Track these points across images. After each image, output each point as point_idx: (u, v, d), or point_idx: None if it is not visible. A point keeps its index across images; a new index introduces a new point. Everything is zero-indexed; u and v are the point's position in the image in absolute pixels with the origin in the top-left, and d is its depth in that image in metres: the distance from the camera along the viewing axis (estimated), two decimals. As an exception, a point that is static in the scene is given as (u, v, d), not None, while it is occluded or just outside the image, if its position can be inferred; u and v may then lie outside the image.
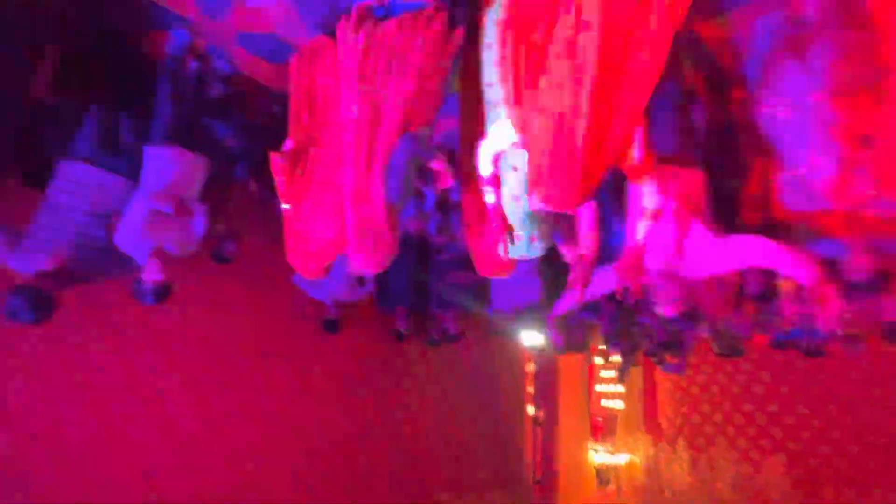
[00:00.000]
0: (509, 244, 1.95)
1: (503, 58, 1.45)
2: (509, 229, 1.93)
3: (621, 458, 5.83)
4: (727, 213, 2.48)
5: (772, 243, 1.86)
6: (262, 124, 2.95)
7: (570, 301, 2.63)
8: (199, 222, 2.28)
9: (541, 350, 5.00)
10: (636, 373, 6.53)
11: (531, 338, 4.39)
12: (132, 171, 2.25)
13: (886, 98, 1.95)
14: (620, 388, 6.06)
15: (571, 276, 2.04)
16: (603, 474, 5.66)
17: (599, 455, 5.77)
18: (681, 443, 5.83)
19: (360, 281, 3.65)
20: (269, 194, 2.96)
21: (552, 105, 1.27)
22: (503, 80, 1.46)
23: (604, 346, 5.20)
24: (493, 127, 1.68)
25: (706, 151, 2.47)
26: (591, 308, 3.96)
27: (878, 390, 5.10)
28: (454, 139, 2.53)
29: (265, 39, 2.35)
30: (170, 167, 2.24)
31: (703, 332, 4.43)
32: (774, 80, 2.28)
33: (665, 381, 6.74)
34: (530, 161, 1.40)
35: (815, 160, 2.21)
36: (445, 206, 3.40)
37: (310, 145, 2.13)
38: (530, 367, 5.31)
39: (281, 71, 2.71)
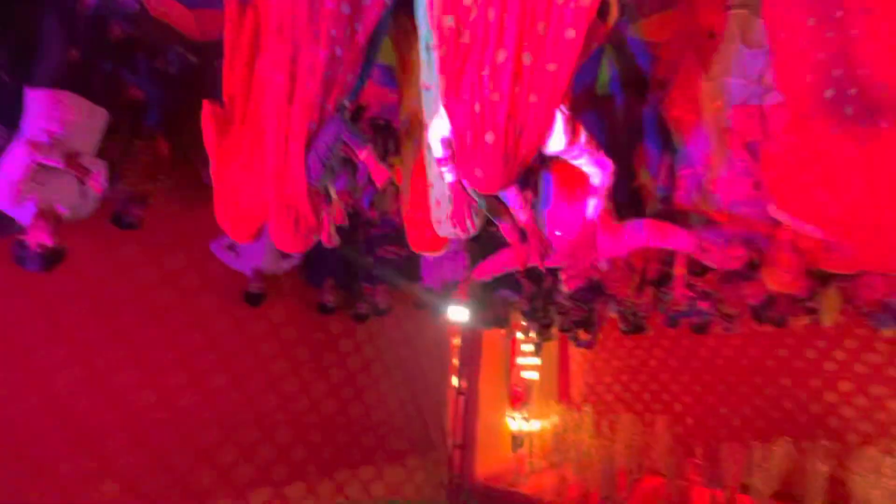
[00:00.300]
0: (467, 220, 1.96)
1: (439, 46, 1.44)
2: (471, 206, 1.95)
3: (535, 425, 6.33)
4: (636, 201, 2.74)
5: (660, 223, 2.08)
6: (175, 73, 2.66)
7: (486, 269, 2.78)
8: (97, 181, 2.04)
9: (466, 324, 5.21)
10: (552, 346, 7.08)
11: (457, 313, 4.54)
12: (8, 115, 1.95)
13: (771, 112, 2.21)
14: (537, 361, 6.54)
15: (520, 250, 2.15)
16: (517, 439, 6.11)
17: (516, 422, 6.20)
18: (587, 409, 6.48)
19: (285, 252, 3.52)
20: (180, 151, 2.70)
21: (477, 94, 1.35)
22: (439, 71, 1.48)
23: (524, 323, 5.53)
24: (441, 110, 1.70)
25: (623, 144, 2.69)
26: (513, 287, 4.20)
27: (745, 361, 6.07)
28: (394, 112, 2.47)
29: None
30: (57, 114, 1.94)
31: (612, 311, 4.89)
32: (684, 86, 2.51)
33: (576, 355, 7.46)
34: (457, 146, 1.47)
35: (710, 161, 2.50)
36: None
37: (244, 99, 1.97)
38: (455, 341, 5.52)
39: (200, 17, 2.44)
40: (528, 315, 4.41)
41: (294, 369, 4.01)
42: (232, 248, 3.28)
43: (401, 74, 2.46)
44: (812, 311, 3.78)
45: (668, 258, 3.03)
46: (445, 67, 1.43)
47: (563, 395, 7.46)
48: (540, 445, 6.27)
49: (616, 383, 7.11)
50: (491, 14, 1.31)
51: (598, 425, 6.07)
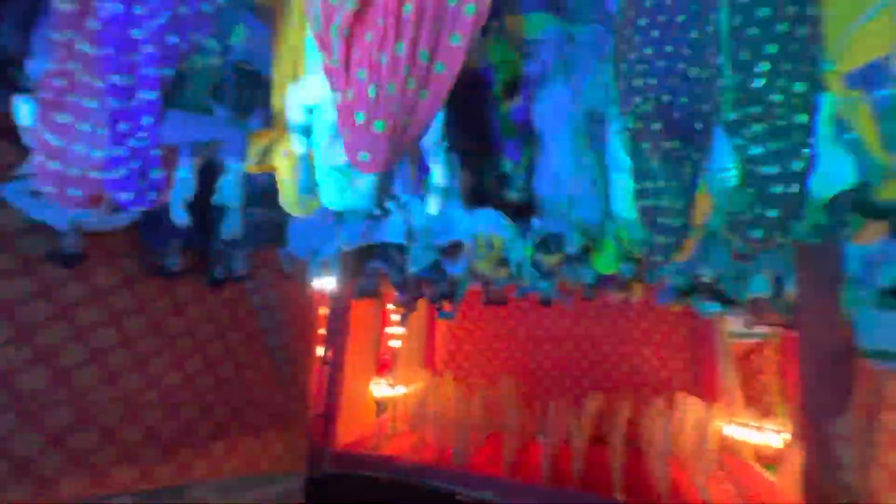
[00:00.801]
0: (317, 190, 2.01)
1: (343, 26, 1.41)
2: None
3: (399, 391, 6.61)
4: (496, 190, 2.98)
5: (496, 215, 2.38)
6: None
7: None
8: None
9: (335, 294, 5.13)
10: (420, 317, 7.41)
11: (325, 282, 4.43)
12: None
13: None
14: (402, 330, 6.81)
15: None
16: (381, 405, 6.32)
17: (381, 388, 6.40)
18: (447, 374, 6.99)
19: (115, 206, 2.99)
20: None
21: (373, 78, 1.39)
22: (323, 47, 1.47)
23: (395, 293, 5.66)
24: (310, 75, 1.64)
25: (494, 136, 2.87)
26: (385, 258, 4.26)
27: (577, 330, 7.22)
28: (257, 57, 2.26)
29: None
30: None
31: (476, 285, 5.29)
32: (549, 90, 2.76)
33: (442, 325, 7.96)
34: (343, 126, 1.49)
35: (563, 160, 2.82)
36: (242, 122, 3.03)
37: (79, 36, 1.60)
38: (323, 311, 5.40)
39: None
40: (398, 286, 4.51)
41: (126, 341, 3.50)
42: (37, 194, 2.68)
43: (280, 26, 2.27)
44: (626, 289, 4.61)
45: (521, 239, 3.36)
46: (343, 46, 1.42)
47: (429, 362, 7.91)
48: (403, 410, 6.60)
49: (474, 351, 7.85)
50: (396, 5, 1.34)
51: (457, 389, 6.62)
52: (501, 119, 2.53)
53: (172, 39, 1.58)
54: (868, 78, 1.49)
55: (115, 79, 1.59)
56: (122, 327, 3.48)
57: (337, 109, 1.50)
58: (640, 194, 1.89)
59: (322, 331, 5.45)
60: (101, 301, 3.36)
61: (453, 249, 3.69)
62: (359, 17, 1.40)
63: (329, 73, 1.47)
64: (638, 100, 1.75)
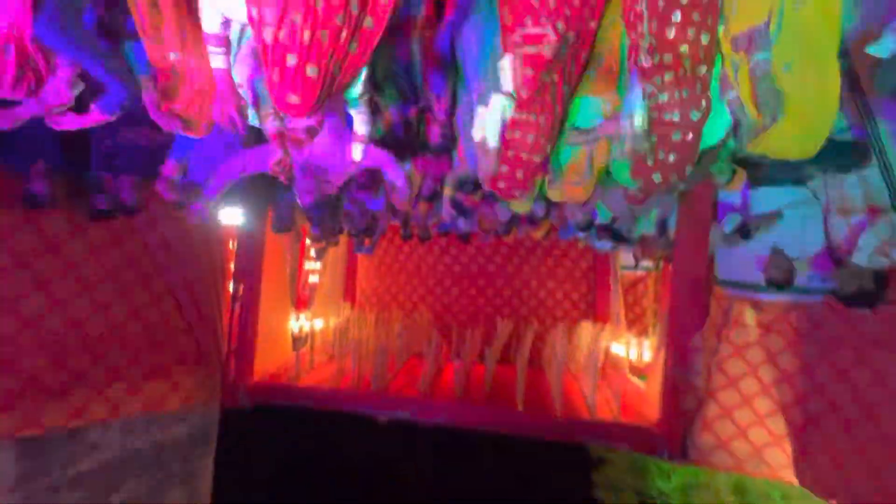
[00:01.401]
0: (234, 114, 1.96)
1: None
2: (239, 103, 1.93)
3: (318, 324, 6.62)
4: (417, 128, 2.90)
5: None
6: None
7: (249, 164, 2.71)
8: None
9: (243, 228, 4.81)
10: (340, 251, 7.31)
11: (232, 215, 4.12)
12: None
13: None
14: (317, 266, 6.72)
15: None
16: (299, 339, 6.31)
17: (298, 322, 6.35)
18: (367, 308, 7.11)
19: None
20: None
21: (307, 23, 1.41)
22: None
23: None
24: None
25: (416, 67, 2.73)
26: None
27: (491, 267, 7.66)
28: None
29: None
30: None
31: (397, 221, 5.27)
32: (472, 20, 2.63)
33: (363, 259, 7.96)
34: (273, 67, 1.48)
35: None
36: (114, 33, 2.54)
37: None
38: (232, 245, 5.08)
39: None
40: (314, 220, 4.35)
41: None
42: None
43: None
44: (536, 227, 4.92)
45: (441, 176, 3.37)
46: None
47: (349, 296, 7.96)
48: (322, 342, 6.67)
49: (394, 284, 8.03)
50: None
51: (376, 321, 6.80)
52: (424, 49, 2.41)
53: None
54: (750, 41, 1.64)
55: None
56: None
57: (262, 45, 1.45)
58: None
59: (232, 266, 5.15)
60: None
61: (372, 184, 3.60)
62: None
63: (259, 4, 1.40)
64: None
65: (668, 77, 1.68)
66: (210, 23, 1.62)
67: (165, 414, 4.20)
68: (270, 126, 2.05)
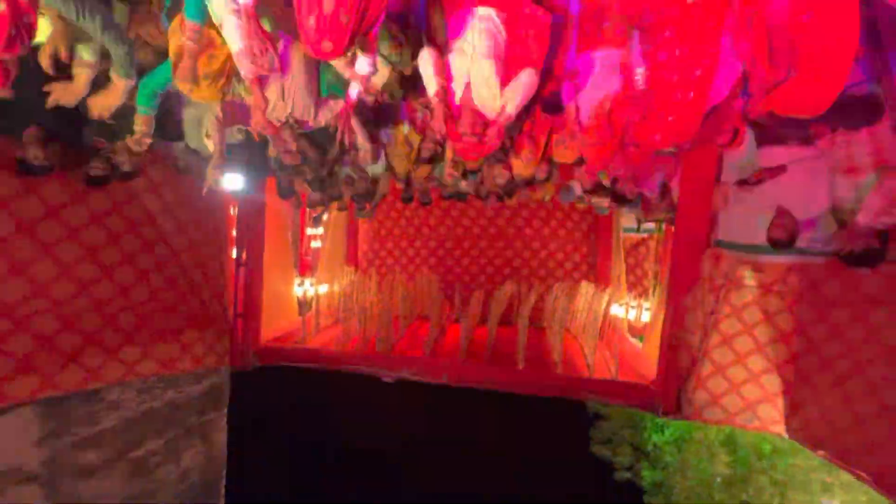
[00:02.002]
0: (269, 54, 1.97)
1: None
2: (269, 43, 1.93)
3: (322, 289, 6.71)
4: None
5: None
6: None
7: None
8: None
9: (243, 193, 4.78)
10: (342, 215, 7.30)
11: (232, 180, 4.08)
12: None
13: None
14: (319, 231, 6.74)
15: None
16: (304, 304, 6.42)
17: (303, 287, 6.44)
18: (371, 272, 7.18)
19: None
20: None
21: None
22: None
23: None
24: None
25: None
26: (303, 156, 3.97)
27: (493, 230, 7.66)
28: None
29: None
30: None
31: (399, 184, 5.22)
32: None
33: (364, 224, 7.95)
34: (306, 12, 1.60)
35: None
36: None
37: None
38: (233, 211, 5.07)
39: None
40: (312, 185, 4.32)
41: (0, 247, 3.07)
42: None
43: None
44: (539, 189, 4.88)
45: (441, 139, 3.31)
46: None
47: (352, 260, 8.02)
48: (327, 306, 6.79)
49: (396, 248, 8.07)
50: None
51: (381, 285, 6.89)
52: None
53: None
54: (765, -11, 1.55)
55: None
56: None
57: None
58: None
59: (234, 232, 5.17)
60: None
61: (374, 147, 3.55)
62: None
63: None
64: None
65: (668, 33, 1.63)
66: None
67: (179, 374, 4.35)
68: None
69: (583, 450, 7.52)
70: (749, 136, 2.54)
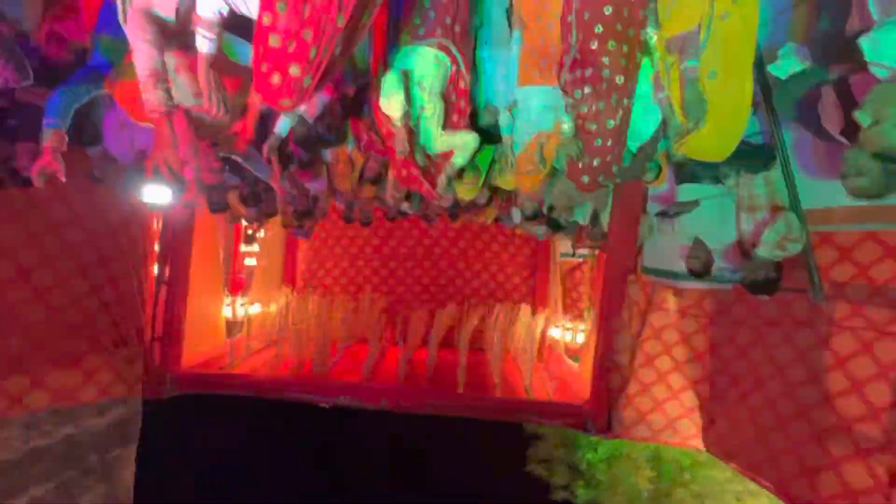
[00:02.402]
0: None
1: None
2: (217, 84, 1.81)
3: (254, 309, 6.33)
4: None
5: None
6: None
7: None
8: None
9: (168, 206, 4.44)
10: (279, 233, 6.99)
11: (156, 192, 3.78)
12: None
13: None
14: (255, 248, 6.40)
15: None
16: (234, 325, 6.01)
17: (233, 308, 6.04)
18: (308, 291, 6.90)
19: None
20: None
21: (308, 42, 1.58)
22: None
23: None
24: None
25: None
26: (236, 172, 3.78)
27: (437, 250, 7.72)
28: None
29: None
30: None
31: (340, 203, 5.12)
32: None
33: (303, 242, 7.67)
34: (272, 69, 1.63)
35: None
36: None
37: None
38: (156, 225, 4.67)
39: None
40: (247, 201, 4.11)
41: None
42: None
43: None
44: (481, 213, 5.00)
45: (384, 159, 3.31)
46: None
47: (289, 280, 7.66)
48: (260, 328, 6.40)
49: (336, 268, 7.84)
50: None
51: (318, 305, 6.63)
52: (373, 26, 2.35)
53: None
54: (681, 46, 1.75)
55: None
56: None
57: (264, 48, 1.55)
58: None
59: (157, 247, 4.75)
60: None
61: (314, 165, 3.46)
62: None
63: (271, 10, 1.49)
64: None
65: (587, 90, 1.81)
66: (207, 10, 1.60)
67: (79, 406, 3.84)
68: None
69: (521, 470, 7.58)
70: (669, 173, 2.79)
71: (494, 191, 4.06)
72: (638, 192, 3.45)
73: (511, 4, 2.25)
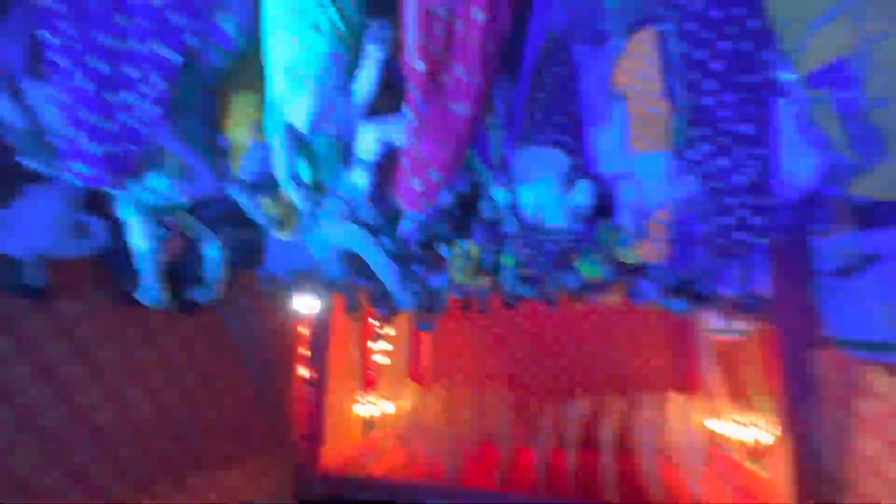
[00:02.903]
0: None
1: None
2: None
3: (388, 407, 6.48)
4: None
5: None
6: None
7: None
8: None
9: (315, 313, 5.00)
10: (403, 329, 7.31)
11: (305, 302, 4.33)
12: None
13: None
14: (388, 346, 6.71)
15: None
16: (370, 423, 6.18)
17: (368, 406, 6.26)
18: (435, 386, 6.89)
19: (83, 230, 2.83)
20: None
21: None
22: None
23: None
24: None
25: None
26: (365, 274, 4.17)
27: (564, 336, 7.24)
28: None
29: None
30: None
31: (456, 294, 5.24)
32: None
33: (426, 336, 7.87)
34: (414, 174, 1.74)
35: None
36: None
37: None
38: (304, 331, 5.27)
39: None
40: (376, 300, 4.43)
41: (95, 375, 3.33)
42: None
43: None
44: (608, 292, 4.66)
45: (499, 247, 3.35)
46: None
47: (414, 374, 7.79)
48: (393, 426, 6.47)
49: (460, 360, 7.76)
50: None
51: (446, 400, 6.53)
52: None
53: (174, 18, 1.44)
54: (830, 78, 1.54)
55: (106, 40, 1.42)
56: (90, 360, 3.30)
57: (409, 157, 1.67)
58: None
59: (304, 351, 5.30)
60: (67, 334, 3.19)
61: (436, 261, 3.65)
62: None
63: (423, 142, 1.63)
64: None
65: (706, 147, 1.67)
66: (369, 153, 1.74)
67: (239, 506, 4.16)
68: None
69: None
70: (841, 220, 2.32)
71: (620, 266, 3.80)
72: (801, 246, 2.91)
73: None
